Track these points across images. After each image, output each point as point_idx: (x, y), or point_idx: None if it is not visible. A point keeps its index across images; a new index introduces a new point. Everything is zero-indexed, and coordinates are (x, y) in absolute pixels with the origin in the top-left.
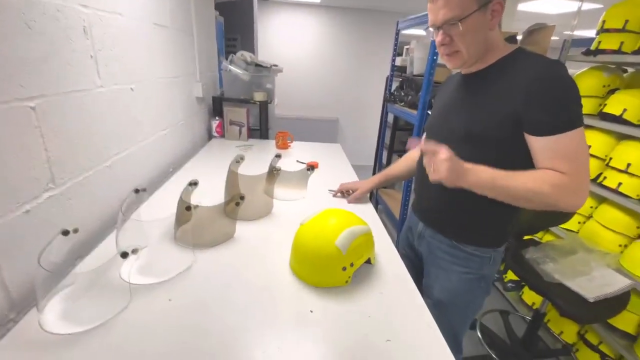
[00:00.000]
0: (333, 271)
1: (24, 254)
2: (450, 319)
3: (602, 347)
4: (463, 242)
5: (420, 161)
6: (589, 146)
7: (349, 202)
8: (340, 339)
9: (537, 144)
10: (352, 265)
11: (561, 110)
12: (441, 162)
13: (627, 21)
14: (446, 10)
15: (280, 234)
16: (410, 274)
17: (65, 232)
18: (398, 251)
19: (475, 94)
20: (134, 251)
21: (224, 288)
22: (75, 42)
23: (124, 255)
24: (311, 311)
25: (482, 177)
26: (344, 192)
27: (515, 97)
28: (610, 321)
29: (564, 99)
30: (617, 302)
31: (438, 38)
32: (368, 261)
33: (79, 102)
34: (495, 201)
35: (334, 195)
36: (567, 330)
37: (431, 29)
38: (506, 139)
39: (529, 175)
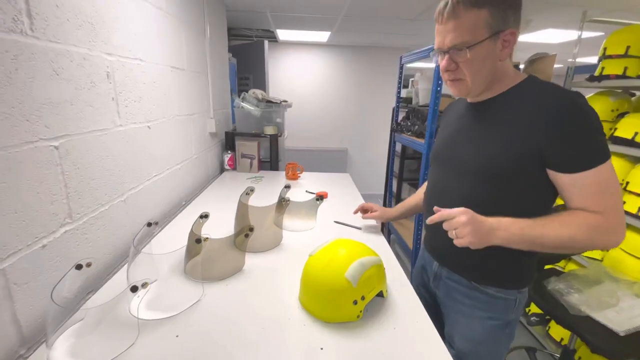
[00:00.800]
0: (343, 305)
1: (38, 288)
2: None
3: None
4: (484, 283)
5: (427, 194)
6: None
7: (364, 217)
8: None
9: (565, 181)
10: (363, 298)
11: (588, 144)
12: (463, 226)
13: (628, 47)
14: (456, 34)
15: (289, 266)
16: (429, 314)
17: (79, 267)
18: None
19: (486, 125)
20: (144, 285)
21: (232, 323)
22: (98, 86)
23: (134, 289)
24: (322, 348)
25: (512, 231)
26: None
27: (536, 130)
28: None
29: (589, 131)
30: None
31: (443, 63)
32: (380, 294)
33: (98, 141)
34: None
35: (354, 212)
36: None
37: (436, 53)
38: (525, 175)
39: (561, 221)
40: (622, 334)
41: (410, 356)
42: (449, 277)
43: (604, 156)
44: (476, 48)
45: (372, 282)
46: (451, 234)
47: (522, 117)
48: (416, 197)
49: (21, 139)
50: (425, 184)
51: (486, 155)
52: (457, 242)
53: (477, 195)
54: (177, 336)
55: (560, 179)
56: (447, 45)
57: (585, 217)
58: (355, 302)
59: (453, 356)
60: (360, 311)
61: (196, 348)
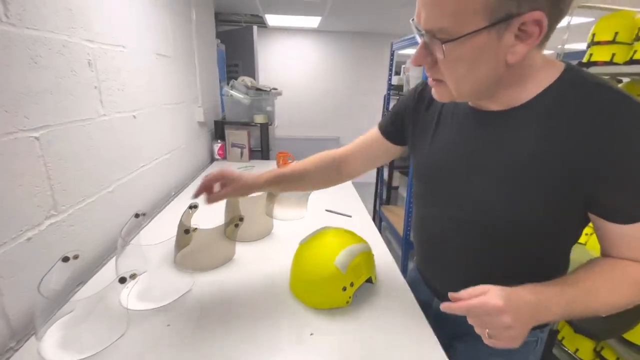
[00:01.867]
0: (333, 291)
1: (25, 281)
2: None
3: None
4: None
5: (418, 233)
6: None
7: (209, 201)
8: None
9: (616, 231)
10: (352, 284)
11: None
12: (505, 330)
13: (616, 33)
14: (433, 12)
15: (280, 255)
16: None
17: (66, 259)
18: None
19: (505, 148)
20: (132, 276)
21: (223, 311)
22: (79, 74)
23: (122, 280)
24: (311, 334)
25: (554, 310)
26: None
27: (580, 163)
28: (626, 337)
29: None
30: (631, 316)
31: (415, 53)
32: (369, 280)
33: (82, 131)
34: (538, 269)
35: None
36: (582, 348)
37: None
38: (554, 224)
39: (610, 280)
40: (603, 314)
41: (398, 338)
42: (455, 321)
43: None
44: (462, 43)
45: (361, 269)
46: (480, 332)
47: (559, 141)
48: (302, 167)
49: (0, 131)
50: (321, 154)
51: (513, 199)
52: (490, 343)
53: (496, 252)
54: (168, 325)
55: (608, 227)
56: (422, 25)
57: (637, 270)
58: (344, 289)
59: None
60: (350, 297)
61: (187, 336)
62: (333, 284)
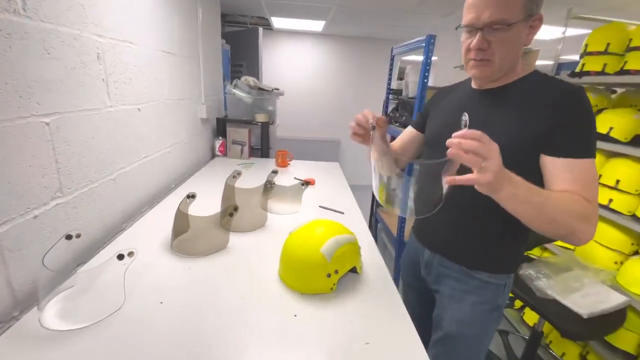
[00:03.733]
0: (318, 277)
1: (30, 256)
2: (461, 354)
3: None
4: (476, 268)
5: None
6: None
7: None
8: (320, 341)
9: (557, 165)
10: (336, 272)
11: (589, 134)
12: (494, 159)
13: (608, 44)
14: (495, 10)
15: (271, 245)
16: (419, 308)
17: (69, 237)
18: (402, 281)
19: (492, 113)
20: (130, 254)
21: (214, 293)
22: (88, 66)
23: (120, 257)
24: (295, 315)
25: (521, 186)
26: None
27: (541, 119)
28: (611, 341)
29: (590, 123)
30: (613, 319)
31: (475, 41)
32: (354, 270)
33: (89, 120)
34: (509, 221)
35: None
36: (569, 352)
37: (464, 29)
38: (525, 163)
39: (560, 195)
40: (585, 316)
41: (376, 322)
42: (440, 264)
43: (594, 154)
44: (513, 28)
45: (346, 258)
46: (474, 162)
47: (529, 107)
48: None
49: (14, 114)
50: (399, 137)
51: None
52: (475, 177)
53: (478, 205)
54: (161, 303)
55: (552, 163)
56: (483, 21)
57: (579, 199)
58: (328, 275)
59: (440, 338)
60: (334, 284)
61: (179, 313)
62: (318, 270)
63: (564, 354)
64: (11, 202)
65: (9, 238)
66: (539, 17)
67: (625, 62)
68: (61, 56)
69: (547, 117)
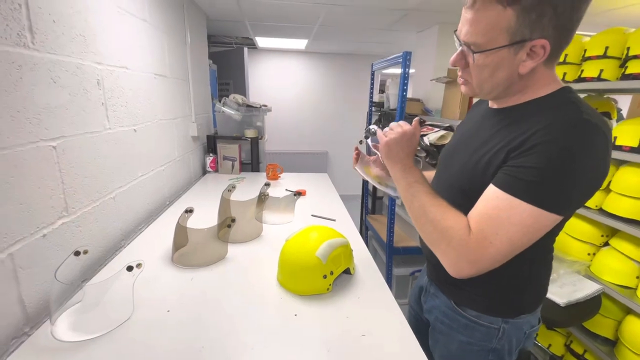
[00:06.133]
0: (314, 279)
1: (39, 273)
2: None
3: (587, 356)
4: (464, 305)
5: None
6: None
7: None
8: (320, 335)
9: (486, 192)
10: (332, 273)
11: (531, 173)
12: (396, 128)
13: (607, 48)
14: (471, 30)
15: (268, 254)
16: (413, 330)
17: (77, 253)
18: (409, 300)
19: (492, 136)
20: (139, 265)
21: (216, 300)
22: (90, 92)
23: (130, 268)
24: (295, 315)
25: (409, 176)
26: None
27: (505, 151)
28: (591, 328)
29: (551, 166)
30: (589, 306)
31: (452, 57)
32: (347, 271)
33: (91, 142)
34: (512, 261)
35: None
36: (554, 343)
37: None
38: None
39: (448, 211)
40: (562, 305)
41: (370, 316)
42: (435, 294)
43: (536, 199)
44: (488, 55)
45: (340, 260)
46: (392, 128)
47: (511, 134)
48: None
49: (25, 139)
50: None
51: (460, 169)
52: (381, 136)
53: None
54: (168, 311)
55: (487, 190)
56: (461, 37)
57: (462, 225)
58: (325, 276)
59: None
60: (330, 284)
61: (185, 319)
62: (314, 272)
63: (550, 345)
64: (23, 222)
65: (21, 256)
66: (542, 44)
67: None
68: (66, 84)
69: (509, 154)
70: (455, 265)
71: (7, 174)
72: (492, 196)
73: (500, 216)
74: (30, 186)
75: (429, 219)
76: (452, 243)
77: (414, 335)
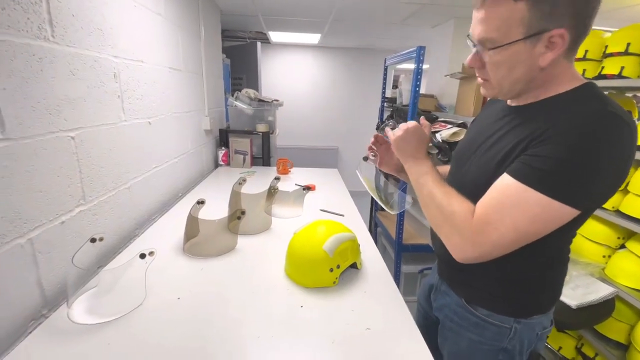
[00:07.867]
0: (321, 272)
1: (57, 258)
2: None
3: (598, 359)
4: (475, 303)
5: None
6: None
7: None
8: (325, 327)
9: (497, 181)
10: (338, 267)
11: (546, 162)
12: (404, 127)
13: (629, 44)
14: (483, 28)
15: (277, 246)
16: (421, 330)
17: (93, 240)
18: (417, 298)
19: (508, 133)
20: (151, 253)
21: (226, 290)
22: (106, 85)
23: (142, 256)
24: (301, 306)
25: (421, 165)
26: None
27: (523, 148)
28: (603, 332)
29: (571, 157)
30: (602, 309)
31: (468, 58)
32: (354, 265)
33: (107, 133)
34: (519, 262)
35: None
36: (565, 346)
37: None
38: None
39: (454, 196)
40: (574, 307)
41: (376, 311)
42: (446, 292)
43: (546, 187)
44: (504, 50)
45: (347, 254)
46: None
47: (531, 127)
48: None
49: (45, 130)
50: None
51: (474, 166)
52: (390, 135)
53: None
54: (178, 298)
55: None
56: (475, 37)
57: (466, 208)
58: (331, 270)
59: None
60: (336, 278)
61: (195, 307)
62: (321, 265)
63: (560, 347)
64: (42, 209)
65: (40, 241)
66: (560, 34)
67: (603, 67)
68: (84, 76)
69: (527, 148)
70: (458, 247)
71: (28, 162)
72: (503, 183)
73: (506, 202)
74: (50, 175)
75: (436, 204)
76: (455, 226)
77: (419, 330)
